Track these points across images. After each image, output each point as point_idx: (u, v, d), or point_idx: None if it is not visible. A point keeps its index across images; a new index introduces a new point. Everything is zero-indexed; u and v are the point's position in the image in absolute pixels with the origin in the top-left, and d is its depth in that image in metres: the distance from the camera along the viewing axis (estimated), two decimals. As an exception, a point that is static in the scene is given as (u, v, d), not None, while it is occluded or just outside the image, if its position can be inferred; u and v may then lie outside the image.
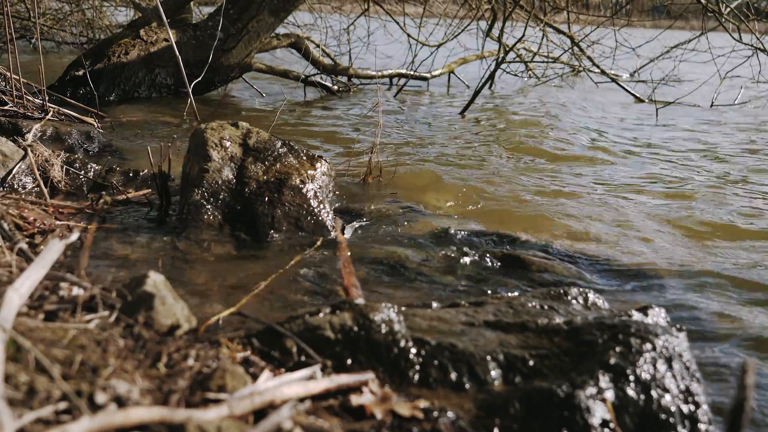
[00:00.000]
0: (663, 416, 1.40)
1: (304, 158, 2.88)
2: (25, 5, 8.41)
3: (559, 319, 1.65)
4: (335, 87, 7.55)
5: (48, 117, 4.03)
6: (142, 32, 5.99)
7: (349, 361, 1.50)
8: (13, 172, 2.99)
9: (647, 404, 1.41)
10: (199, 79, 5.35)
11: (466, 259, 2.63)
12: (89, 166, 3.31)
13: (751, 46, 6.92)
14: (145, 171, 3.34)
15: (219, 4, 6.17)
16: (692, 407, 1.43)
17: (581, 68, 8.83)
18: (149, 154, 2.96)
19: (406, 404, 1.38)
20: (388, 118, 6.21)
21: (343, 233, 2.79)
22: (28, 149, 3.09)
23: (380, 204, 3.28)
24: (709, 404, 1.49)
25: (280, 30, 7.37)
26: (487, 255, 2.67)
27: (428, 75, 8.43)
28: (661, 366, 1.46)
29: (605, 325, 1.58)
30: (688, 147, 5.62)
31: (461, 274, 2.50)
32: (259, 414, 1.22)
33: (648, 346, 1.49)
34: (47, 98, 4.23)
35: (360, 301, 1.64)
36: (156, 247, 2.51)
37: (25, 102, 4.08)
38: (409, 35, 8.58)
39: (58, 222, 2.54)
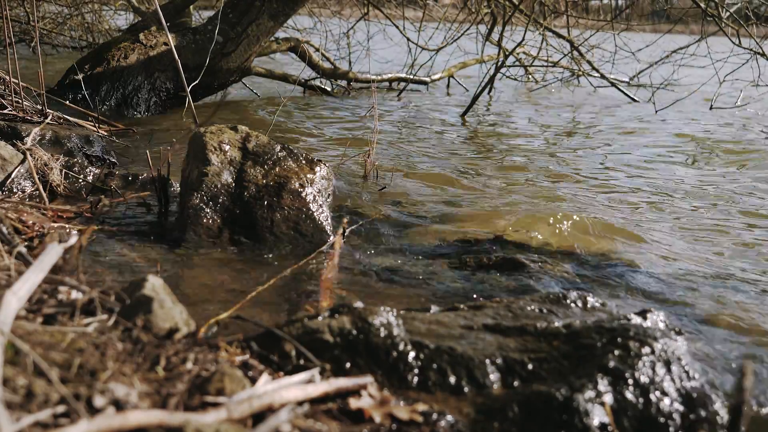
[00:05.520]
0: (662, 419, 1.40)
1: (303, 162, 2.88)
2: (25, 9, 8.42)
3: (557, 323, 1.65)
4: (334, 91, 7.56)
5: (47, 121, 4.03)
6: (141, 36, 6.00)
7: (347, 365, 1.50)
8: (12, 175, 2.99)
9: (646, 407, 1.41)
10: (197, 82, 5.34)
11: (465, 263, 2.63)
12: (88, 169, 3.31)
13: (750, 50, 6.93)
14: (145, 175, 3.34)
15: (218, 8, 6.17)
16: (691, 410, 1.43)
17: (581, 72, 8.84)
18: (148, 158, 2.96)
19: (404, 408, 1.37)
20: (387, 121, 6.22)
21: (342, 237, 2.78)
22: (27, 153, 3.10)
23: (378, 207, 3.28)
24: (708, 407, 1.49)
25: (280, 34, 7.38)
26: (486, 258, 2.67)
27: (428, 79, 8.44)
28: (660, 369, 1.46)
29: (604, 328, 1.58)
30: (687, 148, 5.63)
31: (460, 278, 2.49)
32: (258, 417, 1.22)
33: (647, 349, 1.49)
34: (46, 102, 4.23)
35: (359, 304, 1.64)
36: (155, 251, 2.51)
37: (24, 106, 4.08)
38: (408, 39, 8.58)
39: (56, 225, 2.54)
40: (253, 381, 1.36)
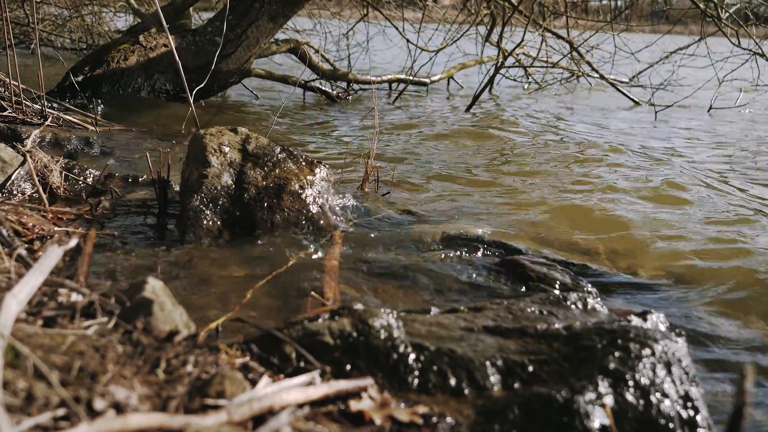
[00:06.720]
0: (662, 421, 1.40)
1: (303, 164, 2.88)
2: (25, 11, 8.43)
3: (558, 325, 1.65)
4: (334, 92, 7.56)
5: (47, 123, 4.03)
6: (141, 38, 6.00)
7: (348, 367, 1.50)
8: (12, 177, 2.99)
9: (646, 409, 1.41)
10: (202, 86, 5.34)
11: (466, 265, 2.63)
12: (88, 171, 3.31)
13: (749, 50, 6.94)
14: (145, 177, 3.34)
15: (218, 10, 6.18)
16: (691, 412, 1.43)
17: (580, 73, 8.85)
18: (148, 159, 2.96)
19: (405, 410, 1.37)
20: (387, 123, 6.22)
21: (340, 239, 2.78)
22: (27, 155, 3.09)
23: (378, 209, 3.28)
24: (709, 409, 1.49)
25: (279, 35, 7.38)
26: (487, 260, 2.67)
27: (427, 80, 8.44)
28: (661, 371, 1.46)
29: (604, 330, 1.58)
30: (687, 150, 5.63)
31: (460, 280, 2.49)
32: (258, 420, 1.22)
33: (647, 351, 1.49)
34: (46, 104, 4.23)
35: (359, 306, 1.64)
36: (155, 253, 2.51)
37: (24, 108, 4.08)
38: (408, 40, 8.58)
39: (57, 228, 2.54)
40: (254, 383, 1.36)
